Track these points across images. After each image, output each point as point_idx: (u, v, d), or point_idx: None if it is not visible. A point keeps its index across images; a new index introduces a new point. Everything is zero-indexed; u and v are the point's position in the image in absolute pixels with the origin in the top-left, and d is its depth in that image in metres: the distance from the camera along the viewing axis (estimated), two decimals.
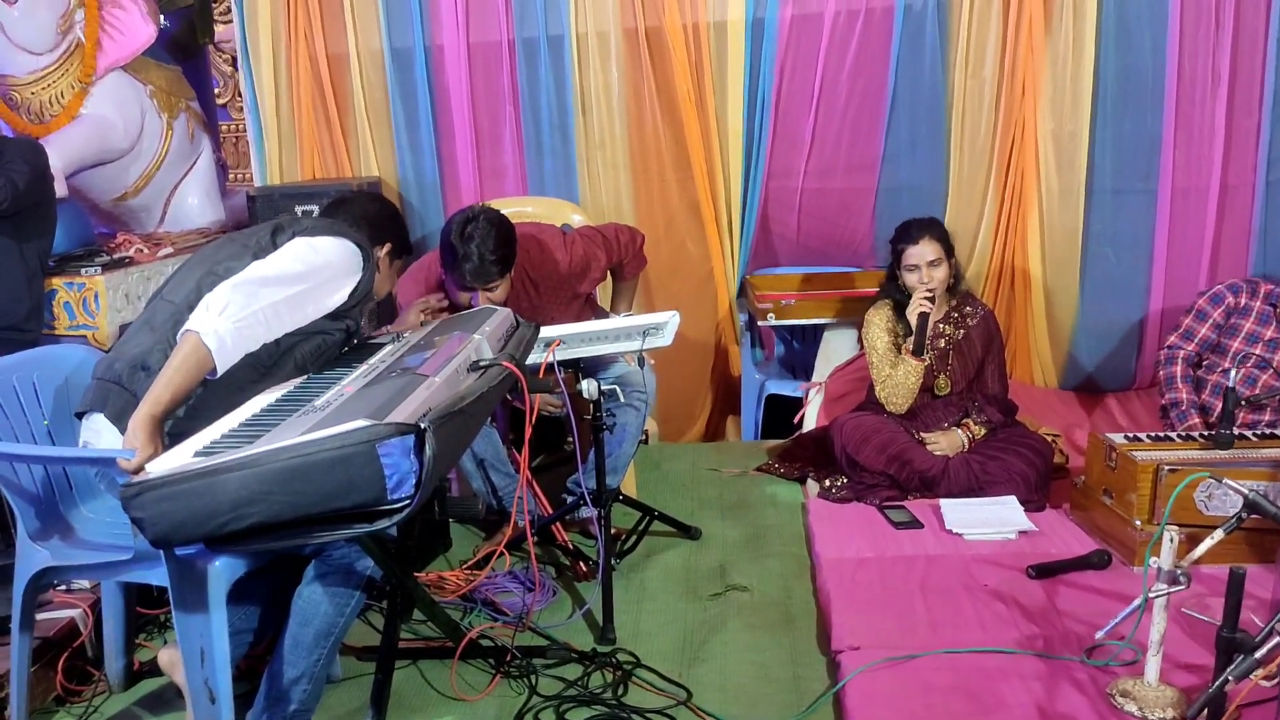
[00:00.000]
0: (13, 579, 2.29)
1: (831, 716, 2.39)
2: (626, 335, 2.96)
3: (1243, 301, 3.54)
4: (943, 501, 3.35)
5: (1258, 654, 1.90)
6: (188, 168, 4.09)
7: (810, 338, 4.47)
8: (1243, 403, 3.14)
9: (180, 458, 1.82)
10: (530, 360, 2.64)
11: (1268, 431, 3.25)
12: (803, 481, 3.76)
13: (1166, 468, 2.92)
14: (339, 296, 2.28)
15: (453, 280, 3.07)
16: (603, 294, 4.01)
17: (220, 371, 2.03)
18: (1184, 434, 3.27)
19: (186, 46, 4.29)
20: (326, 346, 2.34)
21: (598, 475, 2.99)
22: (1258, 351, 3.45)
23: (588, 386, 2.78)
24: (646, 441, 4.34)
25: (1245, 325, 3.50)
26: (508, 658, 2.63)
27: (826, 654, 2.64)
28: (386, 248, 2.57)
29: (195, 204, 4.02)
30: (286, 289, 2.15)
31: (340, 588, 2.14)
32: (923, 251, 3.48)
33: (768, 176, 4.16)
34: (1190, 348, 3.57)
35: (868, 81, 4.02)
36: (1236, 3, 3.77)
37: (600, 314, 3.58)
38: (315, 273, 2.22)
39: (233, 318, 2.03)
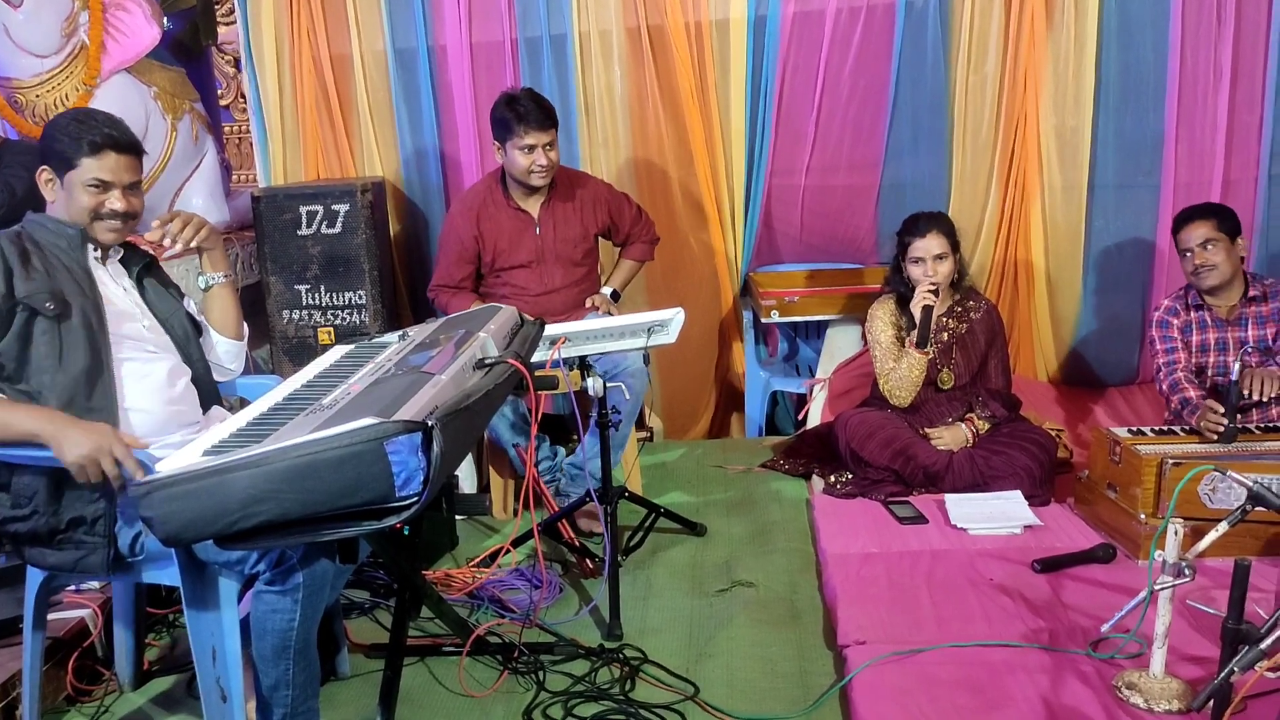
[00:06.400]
0: (24, 580, 2.31)
1: (838, 711, 2.40)
2: (631, 333, 2.97)
3: (1183, 319, 3.48)
4: (947, 497, 3.36)
5: (1263, 645, 1.91)
6: (192, 169, 4.09)
7: (814, 334, 4.48)
8: (1244, 396, 3.12)
9: (189, 457, 1.84)
10: (535, 358, 2.65)
11: (1272, 424, 3.24)
12: (807, 477, 3.78)
13: (1170, 461, 2.93)
14: None
15: (513, 143, 3.47)
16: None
17: None
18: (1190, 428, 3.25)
19: (190, 48, 4.28)
20: (41, 345, 2.19)
21: (604, 472, 3.01)
22: (1210, 359, 3.43)
23: (593, 384, 2.79)
24: (651, 439, 4.35)
25: (1194, 339, 3.46)
26: (515, 654, 2.65)
27: (832, 649, 2.66)
28: (43, 173, 2.36)
29: (200, 205, 4.01)
30: None
31: (281, 597, 2.06)
32: (929, 245, 3.49)
33: (770, 174, 4.16)
34: (1180, 356, 3.43)
35: (870, 78, 4.02)
36: None
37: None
38: None
39: None
